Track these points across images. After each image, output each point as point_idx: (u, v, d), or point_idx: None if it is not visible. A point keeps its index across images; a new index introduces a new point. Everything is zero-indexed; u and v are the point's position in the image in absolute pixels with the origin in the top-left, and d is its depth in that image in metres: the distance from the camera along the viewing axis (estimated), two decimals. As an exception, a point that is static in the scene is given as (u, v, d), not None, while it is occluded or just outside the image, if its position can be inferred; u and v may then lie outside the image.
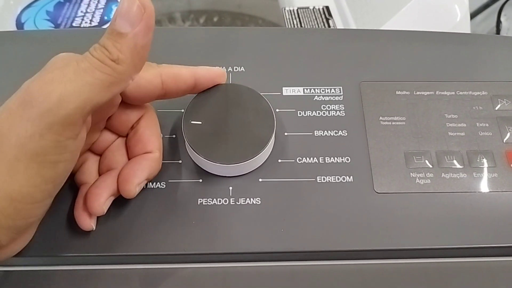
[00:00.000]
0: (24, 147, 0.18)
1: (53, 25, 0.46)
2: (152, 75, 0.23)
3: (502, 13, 0.67)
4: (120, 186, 0.23)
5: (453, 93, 0.29)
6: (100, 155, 0.25)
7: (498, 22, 0.67)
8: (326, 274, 0.24)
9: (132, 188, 0.23)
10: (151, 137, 0.24)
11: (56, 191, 0.21)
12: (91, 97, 0.19)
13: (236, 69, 0.30)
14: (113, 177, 0.24)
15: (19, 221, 0.20)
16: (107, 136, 0.25)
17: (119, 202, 0.24)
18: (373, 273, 0.24)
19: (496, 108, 0.29)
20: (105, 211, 0.23)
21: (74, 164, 0.21)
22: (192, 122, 0.26)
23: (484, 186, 0.26)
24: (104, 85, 0.20)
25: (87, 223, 0.23)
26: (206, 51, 0.30)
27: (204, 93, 0.26)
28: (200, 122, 0.26)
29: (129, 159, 0.25)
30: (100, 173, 0.25)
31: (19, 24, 0.46)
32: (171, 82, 0.24)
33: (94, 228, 0.23)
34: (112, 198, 0.24)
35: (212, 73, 0.26)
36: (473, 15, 0.67)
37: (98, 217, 0.24)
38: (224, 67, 0.29)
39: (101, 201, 0.23)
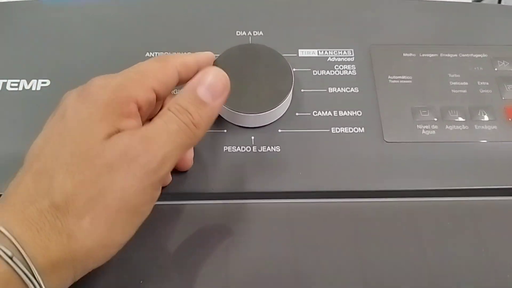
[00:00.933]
0: (128, 202, 0.20)
1: None
2: (172, 70, 0.23)
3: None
4: None
5: (456, 55, 0.32)
6: None
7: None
8: (336, 211, 0.27)
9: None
10: None
11: None
12: (179, 156, 0.21)
13: (255, 33, 0.32)
14: None
15: (102, 262, 0.21)
16: None
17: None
18: (381, 209, 0.27)
19: (496, 69, 0.32)
20: None
21: None
22: (217, 77, 0.28)
23: (484, 137, 0.29)
24: (186, 147, 0.22)
25: None
26: (227, 17, 0.33)
27: (228, 51, 0.29)
28: (225, 77, 0.28)
29: None
30: None
31: None
32: (184, 72, 0.24)
33: None
34: None
35: (210, 57, 0.25)
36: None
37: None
38: (244, 32, 0.32)
39: None
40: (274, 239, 0.25)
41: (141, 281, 0.23)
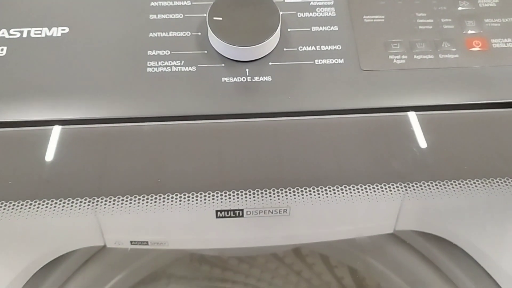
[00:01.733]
0: None
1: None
2: None
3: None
4: None
5: (423, -3, 0.36)
6: None
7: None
8: (319, 126, 0.31)
9: None
10: None
11: None
12: None
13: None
14: None
15: None
16: None
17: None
18: (356, 123, 0.31)
19: (458, 8, 0.36)
20: None
21: None
22: (214, 18, 0.32)
23: (447, 64, 0.33)
24: None
25: None
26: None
27: (223, -4, 0.33)
28: (221, 18, 0.32)
29: None
30: None
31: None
32: None
33: None
34: None
35: None
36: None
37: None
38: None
39: None
40: (267, 147, 0.30)
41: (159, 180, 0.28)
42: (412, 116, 0.32)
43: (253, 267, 0.61)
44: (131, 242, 0.37)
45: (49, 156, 0.31)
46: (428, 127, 0.31)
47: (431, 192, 0.30)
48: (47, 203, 0.30)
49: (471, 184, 0.29)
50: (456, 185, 0.29)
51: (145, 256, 0.39)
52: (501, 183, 0.29)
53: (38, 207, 0.30)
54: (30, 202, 0.29)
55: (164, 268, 0.45)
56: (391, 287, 0.50)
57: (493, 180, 0.30)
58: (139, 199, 0.30)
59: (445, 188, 0.30)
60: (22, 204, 0.29)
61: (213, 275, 0.50)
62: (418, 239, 0.43)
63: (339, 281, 0.64)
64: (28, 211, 0.30)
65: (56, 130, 0.31)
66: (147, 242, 0.37)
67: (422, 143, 0.31)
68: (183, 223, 0.37)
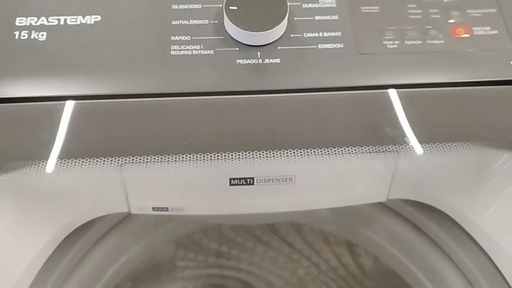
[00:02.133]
0: None
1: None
2: None
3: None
4: None
5: (413, -10, 0.41)
6: None
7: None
8: (324, 101, 0.36)
9: None
10: None
11: None
12: None
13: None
14: None
15: None
16: None
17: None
18: (354, 98, 0.36)
19: (444, 0, 0.41)
20: None
21: None
22: (230, 7, 0.37)
23: (434, 48, 0.38)
24: None
25: None
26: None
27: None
28: (236, 7, 0.37)
29: None
30: None
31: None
32: None
33: None
34: None
35: None
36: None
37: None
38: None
39: None
40: (275, 117, 0.35)
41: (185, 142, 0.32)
42: (403, 92, 0.36)
43: (258, 245, 0.65)
44: (153, 208, 0.42)
45: (87, 123, 0.35)
46: (416, 101, 0.36)
47: (421, 154, 0.35)
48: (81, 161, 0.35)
49: (453, 146, 0.34)
50: (441, 146, 0.34)
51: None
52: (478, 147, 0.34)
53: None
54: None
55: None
56: (386, 258, 0.55)
57: (469, 144, 0.34)
58: (162, 158, 0.34)
59: (432, 149, 0.35)
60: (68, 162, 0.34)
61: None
62: (407, 209, 0.48)
63: (338, 258, 0.69)
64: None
65: (92, 104, 0.36)
66: (167, 208, 0.42)
67: (412, 114, 0.35)
68: (200, 190, 0.41)
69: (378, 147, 0.34)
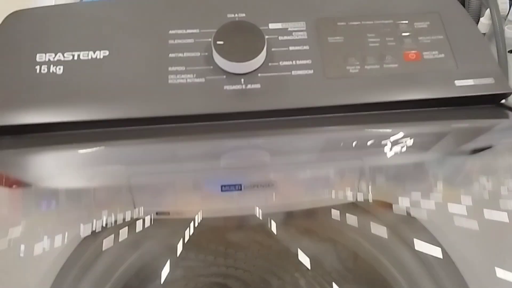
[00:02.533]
0: None
1: None
2: None
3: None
4: None
5: (372, 22, 0.48)
6: None
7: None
8: (299, 122, 0.43)
9: None
10: None
11: None
12: None
13: (240, 15, 0.48)
14: None
15: None
16: None
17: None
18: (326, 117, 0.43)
19: (399, 29, 0.48)
20: None
21: None
22: (217, 42, 0.44)
23: (390, 72, 0.45)
24: None
25: None
26: (221, 5, 0.49)
27: (224, 25, 0.45)
28: (222, 42, 0.44)
29: None
30: None
31: None
32: None
33: None
34: None
35: None
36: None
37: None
38: (232, 14, 0.48)
39: None
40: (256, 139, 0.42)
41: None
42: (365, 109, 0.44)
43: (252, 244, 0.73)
44: (156, 213, 0.49)
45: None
46: (374, 117, 0.44)
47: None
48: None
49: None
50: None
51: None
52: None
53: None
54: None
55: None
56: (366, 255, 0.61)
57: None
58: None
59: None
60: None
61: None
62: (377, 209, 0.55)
63: (324, 255, 0.75)
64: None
65: (102, 127, 0.43)
66: (168, 212, 0.49)
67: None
68: (196, 196, 0.48)
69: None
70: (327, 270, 0.77)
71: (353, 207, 0.58)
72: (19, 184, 0.44)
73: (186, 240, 0.64)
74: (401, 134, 0.45)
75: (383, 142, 0.44)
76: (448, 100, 0.45)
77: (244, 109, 0.43)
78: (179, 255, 0.70)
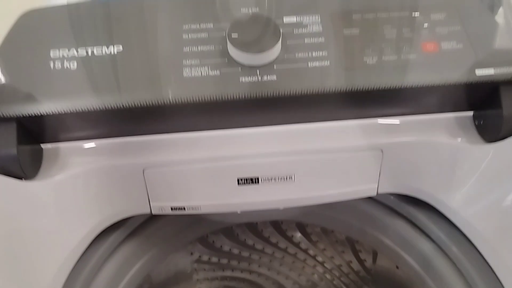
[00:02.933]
0: None
1: None
2: None
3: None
4: None
5: (387, 14, 0.48)
6: None
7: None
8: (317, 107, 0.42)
9: None
10: None
11: None
12: None
13: (252, 9, 0.48)
14: None
15: None
16: None
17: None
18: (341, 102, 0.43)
19: (415, 20, 0.47)
20: None
21: None
22: (232, 35, 0.44)
23: (407, 62, 0.45)
24: None
25: None
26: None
27: (238, 20, 0.44)
28: (237, 35, 0.44)
29: None
30: None
31: None
32: None
33: None
34: None
35: None
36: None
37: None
38: (246, 8, 0.48)
39: None
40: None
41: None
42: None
43: (267, 247, 0.71)
44: (171, 208, 0.48)
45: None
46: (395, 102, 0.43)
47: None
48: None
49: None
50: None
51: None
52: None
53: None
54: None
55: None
56: (384, 250, 0.60)
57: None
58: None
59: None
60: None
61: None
62: (399, 203, 0.54)
63: (341, 255, 0.74)
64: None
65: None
66: (184, 208, 0.48)
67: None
68: (212, 191, 0.47)
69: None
70: (345, 272, 0.75)
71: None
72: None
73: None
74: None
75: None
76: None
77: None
78: (192, 258, 0.69)
